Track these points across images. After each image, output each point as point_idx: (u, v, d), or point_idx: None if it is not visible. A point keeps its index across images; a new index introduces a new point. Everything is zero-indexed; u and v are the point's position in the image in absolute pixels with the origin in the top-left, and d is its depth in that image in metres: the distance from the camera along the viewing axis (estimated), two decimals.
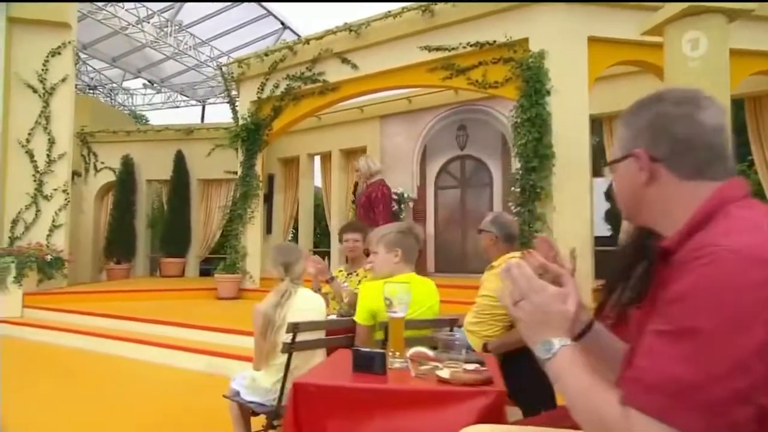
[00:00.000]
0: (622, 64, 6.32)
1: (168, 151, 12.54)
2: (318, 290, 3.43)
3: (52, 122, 8.56)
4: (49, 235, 8.35)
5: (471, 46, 6.59)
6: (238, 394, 2.31)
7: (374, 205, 3.93)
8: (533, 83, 6.00)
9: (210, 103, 17.92)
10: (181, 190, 12.42)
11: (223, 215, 11.98)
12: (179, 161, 12.49)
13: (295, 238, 12.31)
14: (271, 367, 2.27)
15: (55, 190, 8.48)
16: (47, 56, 8.55)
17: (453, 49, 6.71)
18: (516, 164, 8.81)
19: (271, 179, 11.75)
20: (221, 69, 9.40)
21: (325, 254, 11.63)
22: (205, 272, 14.13)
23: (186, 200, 12.44)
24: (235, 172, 12.08)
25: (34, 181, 8.40)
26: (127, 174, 12.43)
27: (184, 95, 17.20)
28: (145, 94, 16.88)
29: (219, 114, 20.28)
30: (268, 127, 8.55)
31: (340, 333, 2.43)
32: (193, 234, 12.57)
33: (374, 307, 2.27)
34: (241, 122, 8.76)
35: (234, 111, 10.86)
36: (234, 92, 10.45)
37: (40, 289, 7.87)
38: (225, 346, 4.97)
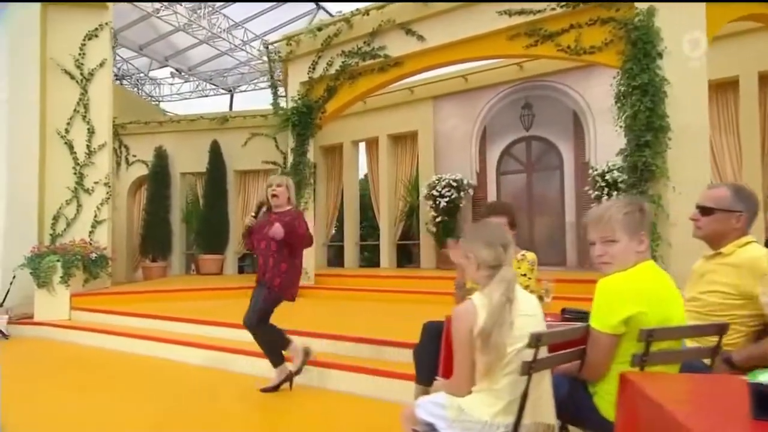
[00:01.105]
0: (743, 20, 5.63)
1: (202, 142, 12.18)
2: (461, 287, 2.89)
3: (91, 110, 8.17)
4: (91, 232, 7.98)
5: (561, 7, 5.95)
6: (432, 427, 1.76)
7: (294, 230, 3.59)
8: (642, 45, 5.36)
9: (239, 92, 17.51)
10: (218, 183, 12.06)
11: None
12: (215, 152, 12.11)
13: (340, 232, 11.84)
14: (488, 393, 1.72)
15: (96, 183, 8.11)
16: (84, 39, 8.15)
17: (539, 12, 6.08)
18: (593, 149, 8.24)
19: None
20: (266, 48, 8.89)
21: (376, 248, 11.19)
22: (242, 269, 13.90)
23: (222, 193, 12.11)
24: (274, 162, 12.04)
25: (75, 174, 8.02)
26: (160, 167, 12.09)
27: (213, 84, 16.81)
28: (172, 84, 16.52)
29: (248, 102, 19.91)
30: (321, 110, 8.04)
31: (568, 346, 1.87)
32: (231, 229, 12.15)
33: (632, 310, 1.73)
34: (290, 105, 8.24)
35: (275, 95, 10.40)
36: (278, 74, 9.96)
37: (85, 289, 7.51)
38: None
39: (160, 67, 15.96)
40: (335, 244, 12.08)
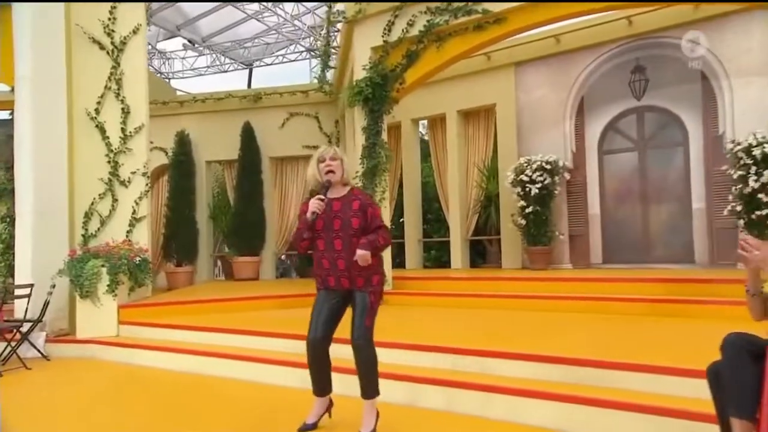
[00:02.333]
0: None
1: (232, 125, 11.99)
2: (757, 293, 2.55)
3: (125, 87, 7.92)
4: (129, 231, 7.76)
5: None
6: None
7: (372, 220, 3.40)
8: None
9: (258, 66, 17.25)
10: (251, 172, 11.90)
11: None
12: (248, 136, 11.91)
13: (400, 227, 11.55)
14: None
15: (134, 173, 7.88)
16: (114, 3, 7.89)
17: None
18: (730, 119, 7.83)
19: None
20: (328, 6, 8.58)
21: (443, 245, 10.90)
22: (283, 274, 13.63)
23: (257, 184, 11.93)
24: (317, 147, 11.76)
25: (108, 162, 7.79)
26: (183, 154, 11.91)
27: (230, 57, 16.56)
28: (184, 57, 16.30)
29: (268, 78, 19.67)
30: (399, 80, 7.71)
31: None
32: (267, 226, 11.96)
33: None
34: (362, 75, 7.93)
35: (326, 66, 10.12)
36: (334, 41, 9.66)
37: (131, 300, 7.29)
38: None
39: (170, 38, 15.73)
40: (394, 242, 11.77)
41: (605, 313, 6.10)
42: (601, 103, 9.33)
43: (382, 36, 7.88)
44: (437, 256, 11.32)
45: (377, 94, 7.85)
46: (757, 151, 7.17)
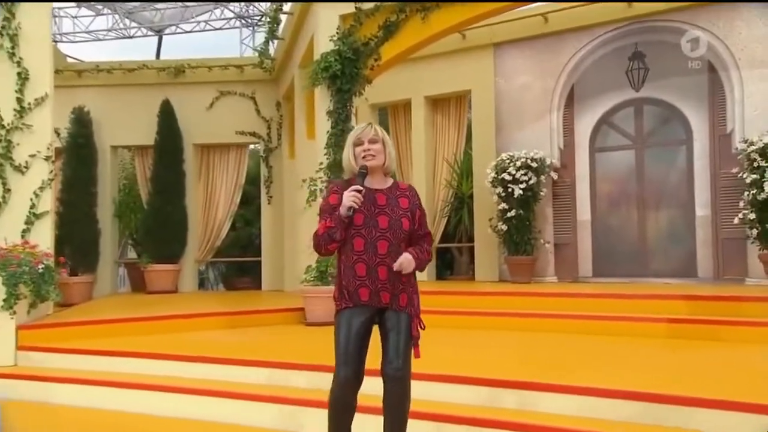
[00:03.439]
0: None
1: (147, 103, 11.25)
2: None
3: (22, 45, 7.04)
4: (26, 231, 6.89)
5: None
6: None
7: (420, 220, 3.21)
8: None
9: (171, 33, 16.29)
10: (171, 162, 11.20)
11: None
12: (167, 117, 11.22)
13: None
14: None
15: (33, 156, 7.04)
16: None
17: None
18: (740, 115, 7.99)
19: None
20: None
21: None
22: (203, 283, 13.01)
23: (178, 176, 11.27)
24: (254, 134, 11.30)
25: None
26: (81, 137, 11.01)
27: (135, 21, 15.49)
28: (76, 16, 15.11)
29: (182, 50, 18.61)
30: (374, 56, 7.45)
31: None
32: (190, 227, 11.28)
33: None
34: (327, 48, 7.50)
35: (272, 34, 9.61)
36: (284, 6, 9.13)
37: (32, 318, 6.44)
38: None
39: None
40: None
41: (625, 335, 5.96)
42: (594, 94, 9.34)
43: (356, 3, 7.50)
44: None
45: (348, 71, 7.54)
46: None
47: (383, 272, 2.93)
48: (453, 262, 10.74)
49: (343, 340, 2.99)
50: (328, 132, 7.66)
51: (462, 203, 10.20)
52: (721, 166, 8.36)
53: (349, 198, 2.88)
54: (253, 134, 11.45)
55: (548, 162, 9.01)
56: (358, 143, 3.05)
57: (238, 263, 13.46)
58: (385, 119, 11.41)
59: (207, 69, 11.38)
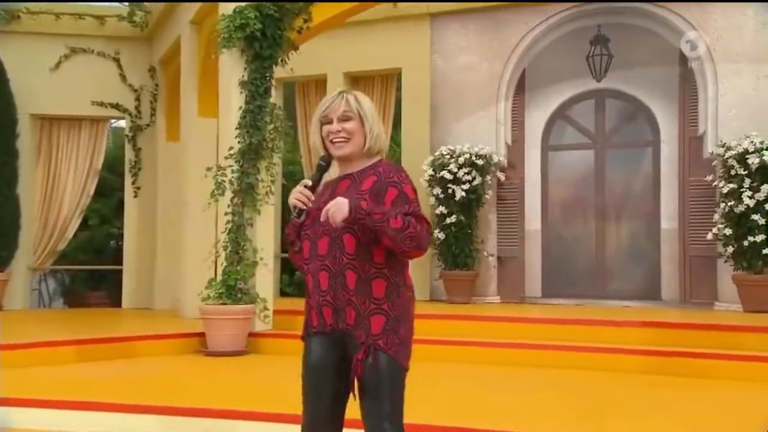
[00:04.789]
0: None
1: None
2: None
3: None
4: None
5: None
6: None
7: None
8: None
9: None
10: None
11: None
12: None
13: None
14: None
15: None
16: None
17: None
18: (714, 115, 8.15)
19: None
20: None
21: None
22: (79, 298, 12.19)
23: (9, 157, 10.29)
24: (116, 105, 10.63)
25: None
26: None
27: None
28: None
29: None
30: (303, 15, 7.23)
31: None
32: (24, 225, 10.47)
33: None
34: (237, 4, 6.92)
35: None
36: None
37: None
38: None
39: None
40: None
41: (583, 369, 6.02)
42: (549, 82, 9.36)
43: None
44: (302, 280, 10.44)
45: (270, 32, 7.13)
46: (753, 160, 7.50)
47: (323, 278, 2.50)
48: None
49: (308, 391, 2.59)
50: (241, 108, 7.17)
51: None
52: (691, 172, 8.58)
53: (294, 196, 2.51)
54: (116, 106, 10.66)
55: (495, 160, 8.80)
56: (325, 121, 2.63)
57: (90, 272, 12.35)
58: (292, 98, 10.94)
59: (54, 17, 10.44)
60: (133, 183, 10.63)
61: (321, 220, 2.43)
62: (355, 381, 2.45)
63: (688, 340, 6.28)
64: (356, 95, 2.67)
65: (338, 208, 2.35)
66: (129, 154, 10.66)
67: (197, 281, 7.82)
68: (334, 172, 2.71)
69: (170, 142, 10.08)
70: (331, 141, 2.58)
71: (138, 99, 10.60)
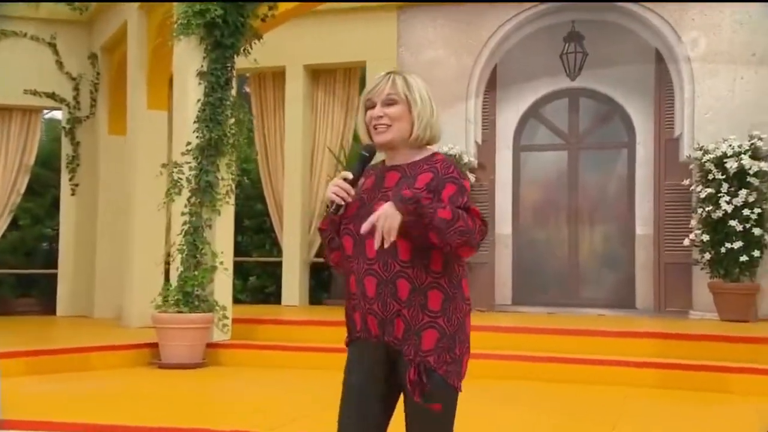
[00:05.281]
0: None
1: None
2: None
3: None
4: None
5: None
6: None
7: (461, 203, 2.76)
8: None
9: None
10: None
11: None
12: None
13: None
14: None
15: None
16: None
17: None
18: (691, 117, 8.27)
19: None
20: None
21: (270, 269, 10.46)
22: (6, 305, 11.67)
23: None
24: (52, 95, 10.43)
25: None
26: None
27: None
28: None
29: None
30: (269, 3, 7.21)
31: None
32: None
33: None
34: None
35: None
36: None
37: None
38: None
39: None
40: None
41: (573, 382, 6.01)
42: (521, 79, 9.39)
43: None
44: (258, 285, 10.60)
45: (231, 19, 6.98)
46: (731, 164, 7.64)
47: (370, 284, 2.39)
48: (332, 283, 10.28)
49: (345, 400, 2.49)
50: (199, 101, 7.02)
51: None
52: (667, 175, 8.69)
53: (331, 189, 2.38)
54: (52, 96, 10.32)
55: (465, 160, 8.78)
56: (369, 105, 2.51)
57: (19, 277, 11.88)
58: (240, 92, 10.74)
59: None
60: (70, 180, 10.29)
61: (371, 235, 2.25)
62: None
63: (667, 351, 6.36)
64: (406, 77, 2.52)
65: (389, 217, 2.21)
66: (66, 149, 10.32)
67: (145, 287, 7.70)
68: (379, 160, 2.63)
69: (113, 135, 9.80)
70: (373, 127, 2.47)
71: (76, 88, 10.28)
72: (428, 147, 2.54)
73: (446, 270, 2.35)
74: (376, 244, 2.22)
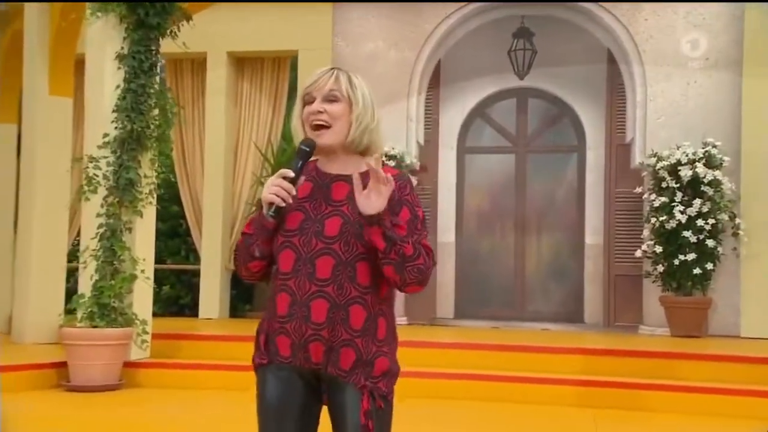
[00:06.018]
0: None
1: None
2: None
3: None
4: None
5: None
6: None
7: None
8: None
9: None
10: None
11: None
12: None
13: None
14: None
15: None
16: None
17: None
18: (643, 122, 8.42)
19: None
20: None
21: (186, 278, 10.49)
22: None
23: None
24: None
25: None
26: None
27: None
28: None
29: None
30: None
31: None
32: None
33: None
34: None
35: None
36: None
37: None
38: None
39: None
40: None
41: (518, 402, 6.07)
42: (467, 76, 9.40)
43: None
44: (173, 295, 10.34)
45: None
46: (686, 172, 7.80)
47: (319, 308, 2.34)
48: (255, 292, 10.16)
49: (260, 424, 2.50)
50: (119, 87, 6.74)
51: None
52: (618, 183, 8.83)
53: (270, 189, 2.30)
54: None
55: (407, 161, 8.71)
56: (308, 100, 2.46)
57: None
58: (162, 79, 10.41)
59: None
60: None
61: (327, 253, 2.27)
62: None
63: (614, 369, 6.44)
64: (350, 75, 2.48)
65: (381, 194, 2.18)
66: None
67: (43, 297, 7.40)
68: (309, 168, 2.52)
69: (4, 123, 9.40)
70: (311, 124, 2.39)
71: None
72: (365, 156, 2.47)
73: (389, 295, 2.40)
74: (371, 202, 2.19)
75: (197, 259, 9.80)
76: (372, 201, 2.19)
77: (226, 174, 9.67)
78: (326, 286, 2.31)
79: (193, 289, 9.86)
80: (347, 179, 2.38)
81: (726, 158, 7.89)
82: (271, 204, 2.26)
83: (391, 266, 2.23)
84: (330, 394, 2.39)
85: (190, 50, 9.37)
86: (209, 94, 9.69)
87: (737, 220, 7.95)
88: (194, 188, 9.92)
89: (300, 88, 2.46)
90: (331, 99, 2.40)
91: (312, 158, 2.43)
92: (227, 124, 9.69)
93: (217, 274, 9.55)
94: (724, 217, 7.89)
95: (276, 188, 2.26)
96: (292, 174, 2.29)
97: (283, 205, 2.27)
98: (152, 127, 6.81)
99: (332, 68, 2.46)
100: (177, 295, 10.26)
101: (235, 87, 9.90)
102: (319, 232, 2.35)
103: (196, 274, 9.73)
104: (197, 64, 9.89)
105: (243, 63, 9.90)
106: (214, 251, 9.55)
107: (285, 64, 9.88)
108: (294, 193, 2.29)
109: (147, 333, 6.78)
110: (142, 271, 6.67)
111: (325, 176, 2.42)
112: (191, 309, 9.83)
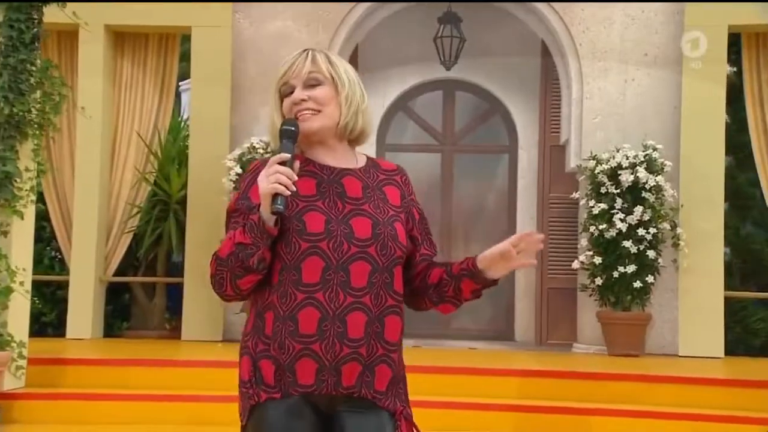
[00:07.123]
0: None
1: None
2: None
3: None
4: None
5: None
6: None
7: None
8: None
9: None
10: None
11: None
12: None
13: None
14: None
15: None
16: None
17: None
18: (579, 121, 8.58)
19: None
20: None
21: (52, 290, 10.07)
22: None
23: None
24: None
25: None
26: None
27: None
28: None
29: None
30: None
31: None
32: None
33: None
34: None
35: None
36: None
37: None
38: None
39: None
40: None
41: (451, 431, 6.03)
42: (388, 64, 9.37)
43: None
44: (33, 311, 9.55)
45: None
46: (626, 177, 7.93)
47: (356, 322, 2.30)
48: (134, 308, 9.86)
49: None
50: None
51: (166, 211, 9.47)
52: (552, 187, 8.95)
53: (268, 180, 2.21)
54: None
55: None
56: (286, 92, 2.43)
57: None
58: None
59: None
60: None
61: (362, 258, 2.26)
62: None
63: (543, 392, 6.54)
64: (327, 53, 2.50)
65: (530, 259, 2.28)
66: None
67: None
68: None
69: None
70: (295, 116, 2.35)
71: None
72: (354, 145, 2.53)
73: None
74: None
75: (64, 269, 9.36)
76: (510, 265, 2.25)
77: (102, 168, 9.26)
78: (363, 296, 2.27)
79: (58, 304, 9.44)
80: (354, 173, 2.40)
81: (668, 163, 8.06)
82: (275, 196, 2.15)
83: (452, 305, 2.36)
84: (348, 423, 2.29)
85: (59, 21, 9.03)
86: (82, 73, 9.24)
87: (678, 230, 8.12)
88: (61, 184, 9.42)
89: (278, 72, 2.38)
90: (312, 83, 2.38)
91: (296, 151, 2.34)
92: (104, 109, 9.28)
93: (90, 287, 9.12)
94: (666, 226, 8.07)
95: (278, 175, 2.14)
96: (288, 155, 2.19)
97: (288, 193, 2.17)
98: (34, 111, 6.48)
99: (305, 49, 2.44)
100: (39, 311, 9.66)
101: (114, 66, 9.54)
102: (349, 234, 2.29)
103: (63, 286, 9.30)
104: (67, 36, 9.44)
105: (123, 38, 9.57)
106: (86, 260, 9.12)
107: (174, 42, 9.63)
108: (295, 178, 2.19)
109: (24, 357, 6.41)
110: (21, 284, 6.35)
111: (329, 170, 2.37)
112: (56, 328, 9.38)
